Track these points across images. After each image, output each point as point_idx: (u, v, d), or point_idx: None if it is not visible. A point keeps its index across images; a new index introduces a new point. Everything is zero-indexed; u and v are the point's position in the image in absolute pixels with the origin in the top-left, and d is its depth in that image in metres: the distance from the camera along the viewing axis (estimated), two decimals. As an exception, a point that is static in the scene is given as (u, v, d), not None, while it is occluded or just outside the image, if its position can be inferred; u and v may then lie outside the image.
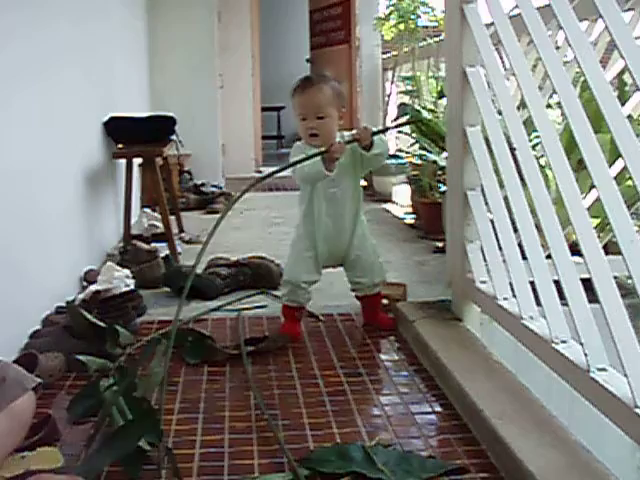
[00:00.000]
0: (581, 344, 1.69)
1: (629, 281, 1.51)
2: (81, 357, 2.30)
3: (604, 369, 1.64)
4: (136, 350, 2.46)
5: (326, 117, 2.56)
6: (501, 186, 2.26)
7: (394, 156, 5.54)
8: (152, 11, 6.29)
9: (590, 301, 1.71)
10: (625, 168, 1.53)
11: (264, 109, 8.96)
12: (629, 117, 2.78)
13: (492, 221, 2.33)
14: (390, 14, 6.08)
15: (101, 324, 2.47)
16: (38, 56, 2.82)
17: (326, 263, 2.73)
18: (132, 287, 2.90)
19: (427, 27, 6.09)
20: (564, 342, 1.83)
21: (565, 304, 1.79)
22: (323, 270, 2.73)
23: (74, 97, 3.44)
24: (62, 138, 3.18)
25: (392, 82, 6.49)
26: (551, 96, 2.67)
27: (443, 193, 4.15)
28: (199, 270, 3.35)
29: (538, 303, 1.98)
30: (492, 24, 2.28)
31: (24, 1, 2.67)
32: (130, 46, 5.45)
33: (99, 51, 4.06)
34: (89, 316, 2.48)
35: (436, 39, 5.63)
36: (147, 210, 4.64)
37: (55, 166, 3.05)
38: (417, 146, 4.91)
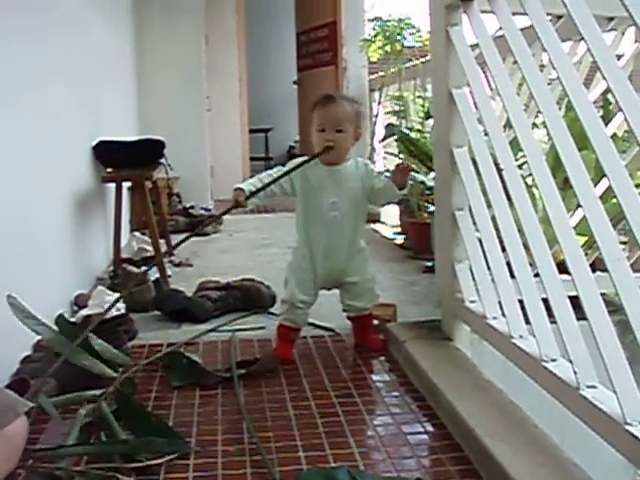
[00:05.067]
0: (570, 362, 1.70)
1: (617, 298, 1.53)
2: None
3: (593, 386, 1.65)
4: (133, 373, 2.45)
5: (344, 132, 2.59)
6: (489, 206, 2.28)
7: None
8: (139, 34, 6.31)
9: (578, 319, 1.73)
10: (610, 187, 1.55)
11: (252, 131, 8.99)
12: (614, 136, 2.82)
13: (480, 241, 2.35)
14: (376, 36, 6.13)
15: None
16: (26, 79, 2.83)
17: (322, 285, 2.74)
18: (123, 311, 2.90)
19: (413, 47, 6.13)
20: (554, 360, 1.84)
21: (554, 322, 1.80)
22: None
23: (63, 121, 3.45)
24: (51, 162, 3.19)
25: (379, 103, 6.53)
26: (536, 116, 2.70)
27: (431, 213, 4.17)
28: (189, 293, 3.36)
29: (527, 321, 2.00)
30: (477, 45, 2.31)
31: (13, 26, 2.69)
32: (118, 69, 5.47)
33: (88, 75, 4.08)
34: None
35: (422, 60, 5.67)
36: (137, 233, 4.64)
37: (44, 190, 3.05)
38: (404, 166, 4.93)
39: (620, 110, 1.53)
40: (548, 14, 1.96)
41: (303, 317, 2.73)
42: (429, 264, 3.95)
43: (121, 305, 2.92)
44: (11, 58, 2.65)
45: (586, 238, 2.77)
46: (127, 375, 2.35)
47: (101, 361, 2.37)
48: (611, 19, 2.74)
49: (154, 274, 3.71)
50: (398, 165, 2.72)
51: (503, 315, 2.18)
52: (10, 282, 2.50)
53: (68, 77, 3.59)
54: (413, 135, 4.82)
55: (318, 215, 2.64)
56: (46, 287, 2.98)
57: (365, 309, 2.76)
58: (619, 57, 2.85)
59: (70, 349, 2.28)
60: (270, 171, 2.66)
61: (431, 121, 4.75)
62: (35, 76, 2.97)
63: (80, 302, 3.23)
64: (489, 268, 2.28)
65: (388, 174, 2.69)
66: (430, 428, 2.07)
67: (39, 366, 2.42)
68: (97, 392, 2.19)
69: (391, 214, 5.70)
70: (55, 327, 2.41)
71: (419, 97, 5.60)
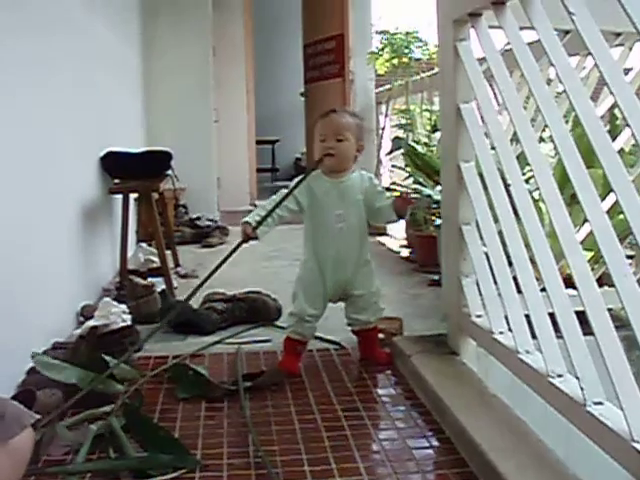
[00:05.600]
0: (577, 378, 1.69)
1: (623, 313, 1.53)
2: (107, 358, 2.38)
3: (600, 403, 1.64)
4: (140, 386, 2.45)
5: (344, 140, 2.62)
6: (495, 220, 2.28)
7: (388, 189, 5.57)
8: (147, 46, 6.35)
9: (585, 334, 1.72)
10: (617, 202, 1.55)
11: (259, 142, 9.00)
12: (621, 151, 2.82)
13: (487, 255, 2.34)
14: (383, 49, 6.15)
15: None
16: (34, 90, 2.84)
17: (330, 298, 2.75)
18: (129, 322, 2.90)
19: (420, 60, 6.15)
20: (560, 376, 1.83)
21: (560, 337, 1.80)
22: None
23: (71, 132, 3.46)
24: (59, 172, 3.20)
25: (386, 115, 6.54)
26: (544, 130, 2.70)
27: (438, 226, 4.17)
28: (195, 305, 3.36)
29: (534, 336, 1.99)
30: (484, 59, 2.32)
31: (17, 40, 2.70)
32: (126, 80, 5.50)
33: (96, 86, 4.09)
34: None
35: (429, 73, 5.68)
36: (143, 245, 4.65)
37: (52, 200, 3.06)
38: (411, 180, 4.94)
39: (627, 125, 1.53)
40: (555, 29, 1.96)
41: (311, 330, 2.73)
42: (435, 277, 3.95)
43: (127, 317, 2.92)
44: (19, 69, 2.67)
45: (592, 253, 2.77)
46: (135, 387, 2.36)
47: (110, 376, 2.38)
48: (618, 34, 2.74)
49: (160, 285, 3.71)
50: (401, 194, 2.74)
51: (509, 330, 2.17)
52: (16, 293, 2.51)
53: (76, 88, 3.60)
54: (420, 148, 4.83)
55: (325, 228, 2.65)
56: (52, 298, 2.99)
57: (369, 322, 2.76)
58: (627, 72, 2.85)
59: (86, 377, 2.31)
60: (273, 197, 2.65)
61: (438, 134, 4.76)
62: (43, 87, 2.98)
63: (86, 313, 3.23)
64: (496, 283, 2.28)
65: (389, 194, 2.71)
66: (435, 443, 2.06)
67: (45, 377, 2.42)
68: (107, 408, 2.19)
69: (397, 227, 5.70)
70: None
71: (426, 110, 5.61)
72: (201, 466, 1.91)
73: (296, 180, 2.67)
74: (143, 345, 2.83)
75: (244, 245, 2.59)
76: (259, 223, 2.56)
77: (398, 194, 2.90)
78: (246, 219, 2.59)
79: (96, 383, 2.28)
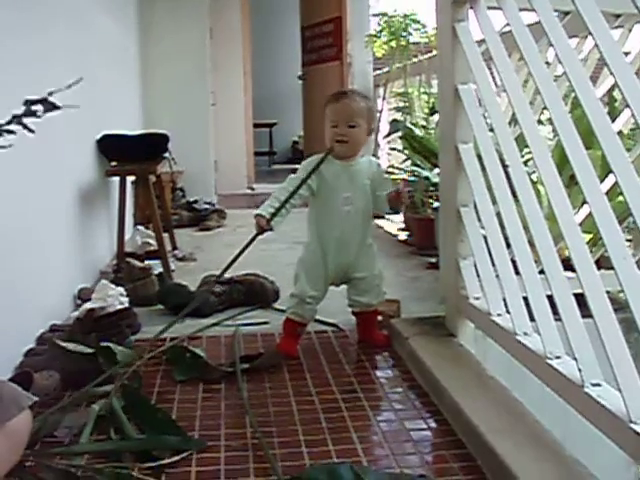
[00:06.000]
0: (575, 359, 1.70)
1: (621, 295, 1.53)
2: (110, 344, 2.39)
3: (598, 384, 1.65)
4: (138, 367, 2.45)
5: (356, 127, 2.62)
6: (494, 202, 2.27)
7: (386, 172, 5.56)
8: (144, 27, 6.31)
9: (583, 316, 1.72)
10: (616, 184, 1.55)
11: (256, 125, 8.98)
12: (619, 133, 2.81)
13: (485, 237, 2.34)
14: (381, 31, 6.12)
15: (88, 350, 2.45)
16: (28, 72, 2.82)
17: (332, 280, 2.75)
18: (126, 305, 2.90)
19: (418, 43, 6.12)
20: (558, 357, 1.84)
21: (558, 319, 1.80)
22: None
23: (67, 114, 3.44)
24: (56, 155, 3.19)
25: (384, 99, 6.52)
26: (542, 112, 2.69)
27: (435, 209, 4.16)
28: (192, 288, 3.36)
29: (532, 319, 1.99)
30: (483, 41, 2.31)
31: (15, 21, 2.68)
32: (123, 63, 5.47)
33: (92, 68, 4.07)
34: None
35: (427, 56, 5.66)
36: (140, 227, 4.64)
37: (48, 184, 3.05)
38: (409, 162, 4.93)
39: (627, 106, 1.52)
40: (555, 10, 1.95)
41: (311, 312, 2.73)
42: (433, 260, 3.95)
43: (125, 299, 2.92)
44: (13, 50, 2.65)
45: (591, 235, 2.76)
46: (133, 369, 2.36)
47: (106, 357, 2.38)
48: (618, 16, 2.73)
49: (158, 268, 3.71)
50: (397, 190, 2.73)
51: (507, 312, 2.17)
52: (14, 275, 2.51)
53: (72, 70, 3.58)
54: (417, 131, 4.82)
55: (331, 210, 2.66)
56: (50, 280, 2.98)
57: (370, 305, 2.76)
58: (626, 54, 2.84)
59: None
60: (283, 184, 2.65)
61: (436, 117, 4.75)
62: (38, 68, 2.95)
63: (83, 296, 3.23)
64: (494, 265, 2.28)
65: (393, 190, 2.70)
66: (433, 424, 2.07)
67: (42, 359, 2.42)
68: (107, 388, 2.19)
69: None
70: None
71: (424, 93, 5.59)
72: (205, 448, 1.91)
73: (308, 167, 2.66)
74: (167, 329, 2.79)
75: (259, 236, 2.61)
76: (273, 216, 2.56)
77: (397, 182, 2.89)
78: (259, 211, 2.58)
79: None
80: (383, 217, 5.76)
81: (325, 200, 2.67)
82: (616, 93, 3.23)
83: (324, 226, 2.68)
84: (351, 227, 2.67)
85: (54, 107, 1.55)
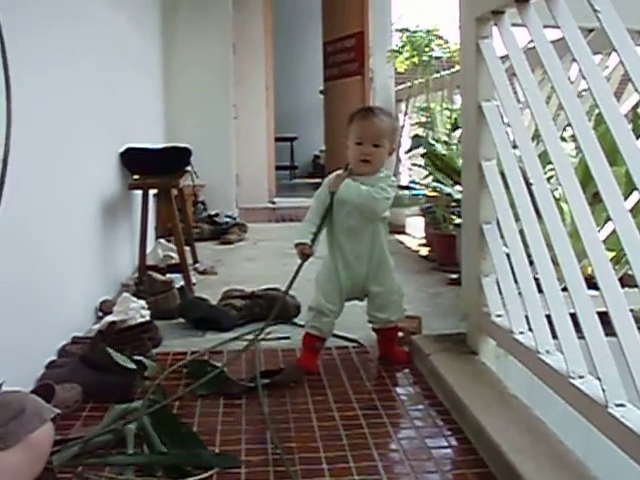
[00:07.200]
0: (598, 379, 1.68)
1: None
2: (141, 358, 2.42)
3: (622, 405, 1.63)
4: (160, 381, 2.45)
5: (381, 147, 2.62)
6: (517, 219, 2.27)
7: (407, 187, 5.55)
8: (168, 42, 6.37)
9: (607, 335, 1.71)
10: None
11: (278, 139, 9.01)
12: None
13: (508, 254, 2.33)
14: (404, 46, 6.12)
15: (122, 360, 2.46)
16: (55, 85, 2.84)
17: (349, 295, 2.74)
18: (148, 318, 2.91)
19: (440, 58, 6.11)
20: (581, 377, 1.82)
21: (582, 338, 1.78)
22: (347, 302, 2.75)
23: (91, 127, 3.47)
24: (79, 168, 3.21)
25: (406, 114, 6.52)
26: (565, 129, 2.69)
27: (457, 225, 4.15)
28: (213, 301, 3.37)
29: (554, 337, 1.98)
30: (506, 57, 2.30)
31: (40, 34, 2.71)
32: (146, 76, 5.51)
33: (116, 82, 4.11)
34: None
35: (449, 71, 5.66)
36: (162, 241, 4.65)
37: (72, 196, 3.07)
38: (430, 178, 4.93)
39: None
40: (579, 28, 1.94)
41: (329, 326, 2.72)
42: (454, 276, 3.94)
43: (146, 312, 2.93)
44: (41, 66, 2.67)
45: (615, 253, 2.75)
46: (157, 382, 2.36)
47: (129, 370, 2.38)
48: (643, 33, 2.72)
49: (179, 282, 3.72)
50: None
51: (530, 330, 2.16)
52: (36, 288, 2.52)
53: (97, 83, 3.61)
54: (440, 147, 4.81)
55: (339, 224, 2.67)
56: (72, 293, 3.00)
57: (389, 322, 2.74)
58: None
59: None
60: (312, 206, 2.70)
61: (458, 132, 4.75)
62: (64, 82, 2.98)
63: (105, 308, 3.24)
64: (516, 282, 2.27)
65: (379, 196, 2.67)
66: (454, 442, 2.05)
67: (64, 371, 2.43)
68: (137, 404, 2.19)
69: (416, 225, 5.69)
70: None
71: (446, 109, 5.58)
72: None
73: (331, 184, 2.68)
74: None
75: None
76: (313, 241, 2.63)
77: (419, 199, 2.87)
78: (301, 240, 2.63)
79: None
80: (404, 231, 5.76)
81: (335, 214, 2.67)
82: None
83: (334, 241, 2.70)
84: (357, 241, 2.66)
85: None
